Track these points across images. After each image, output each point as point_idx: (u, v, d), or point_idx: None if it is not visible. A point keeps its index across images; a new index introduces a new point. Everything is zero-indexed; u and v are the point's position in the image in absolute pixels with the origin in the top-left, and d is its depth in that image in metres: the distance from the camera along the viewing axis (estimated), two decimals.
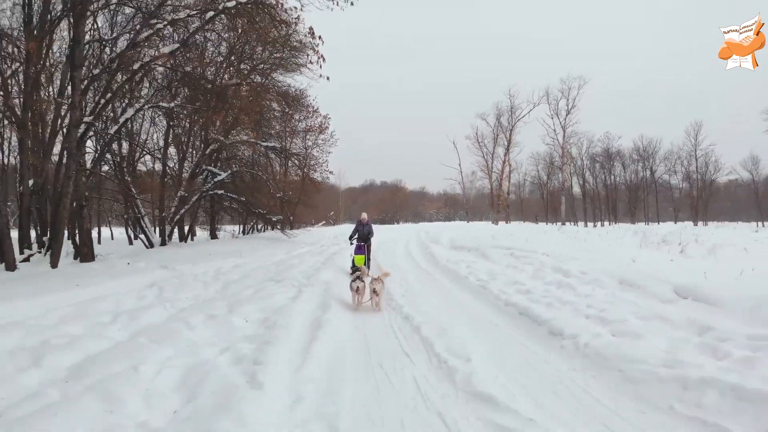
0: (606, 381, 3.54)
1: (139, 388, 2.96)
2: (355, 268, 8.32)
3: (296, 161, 30.14)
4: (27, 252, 9.42)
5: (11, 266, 8.76)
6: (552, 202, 53.77)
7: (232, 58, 19.10)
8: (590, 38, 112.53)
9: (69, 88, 9.90)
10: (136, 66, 9.19)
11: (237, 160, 22.86)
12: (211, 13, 9.26)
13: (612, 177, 54.95)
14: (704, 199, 51.43)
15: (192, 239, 22.47)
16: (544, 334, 4.70)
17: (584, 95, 51.22)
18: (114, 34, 11.59)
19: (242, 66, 19.93)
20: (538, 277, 7.87)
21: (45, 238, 9.88)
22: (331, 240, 21.62)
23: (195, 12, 10.45)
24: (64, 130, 11.71)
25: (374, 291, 5.92)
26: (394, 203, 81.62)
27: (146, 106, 11.75)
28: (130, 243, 23.47)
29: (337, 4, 9.77)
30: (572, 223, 48.51)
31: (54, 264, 9.14)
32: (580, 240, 12.76)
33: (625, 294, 6.34)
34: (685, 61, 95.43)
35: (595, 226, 46.38)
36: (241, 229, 30.17)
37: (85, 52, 9.74)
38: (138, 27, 9.87)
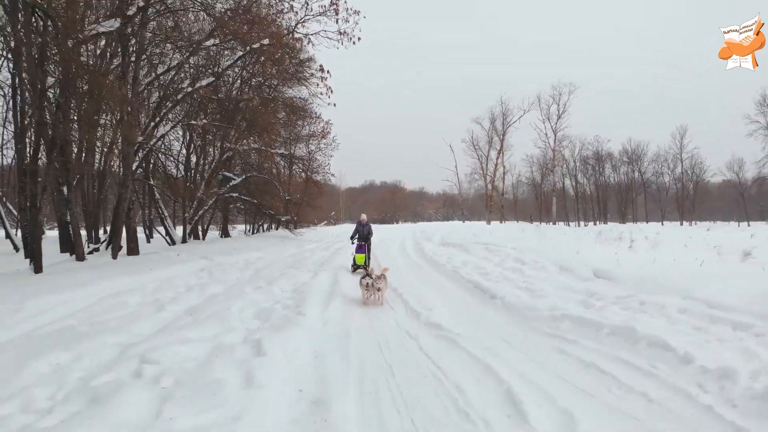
0: (512, 319, 5.71)
1: (235, 317, 5.15)
2: (356, 266, 9.92)
3: (300, 165, 32.36)
4: (91, 246, 11.61)
5: (81, 257, 10.95)
6: (546, 203, 55.82)
7: (245, 74, 21.29)
8: (591, 42, 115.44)
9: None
10: (179, 96, 11.39)
11: (249, 165, 24.96)
12: (240, 53, 11.45)
13: (603, 178, 57.19)
14: (691, 199, 53.59)
15: (204, 238, 24.64)
16: (486, 298, 6.89)
17: (577, 99, 53.44)
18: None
19: (253, 81, 22.12)
20: (499, 265, 10.06)
21: (105, 235, 12.06)
22: (334, 238, 23.80)
23: (218, 42, 12.67)
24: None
25: (378, 289, 6.44)
26: (394, 203, 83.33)
27: (180, 124, 13.94)
28: (148, 241, 25.58)
29: (342, 43, 11.97)
30: (565, 223, 50.66)
31: (114, 256, 11.33)
32: (549, 237, 14.97)
33: (559, 276, 8.51)
34: (685, 62, 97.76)
35: (586, 225, 48.51)
36: (251, 229, 32.36)
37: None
38: (179, 61, 12.04)
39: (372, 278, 6.54)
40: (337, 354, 4.02)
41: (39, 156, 9.47)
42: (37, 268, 9.19)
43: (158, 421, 2.52)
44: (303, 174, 33.34)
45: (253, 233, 31.24)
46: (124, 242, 13.06)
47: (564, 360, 4.18)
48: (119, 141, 10.44)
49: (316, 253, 14.47)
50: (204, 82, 11.47)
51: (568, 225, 46.80)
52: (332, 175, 35.96)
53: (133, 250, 13.13)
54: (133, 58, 10.76)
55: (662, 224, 49.97)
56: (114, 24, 7.43)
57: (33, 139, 8.98)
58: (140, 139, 11.31)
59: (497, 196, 52.11)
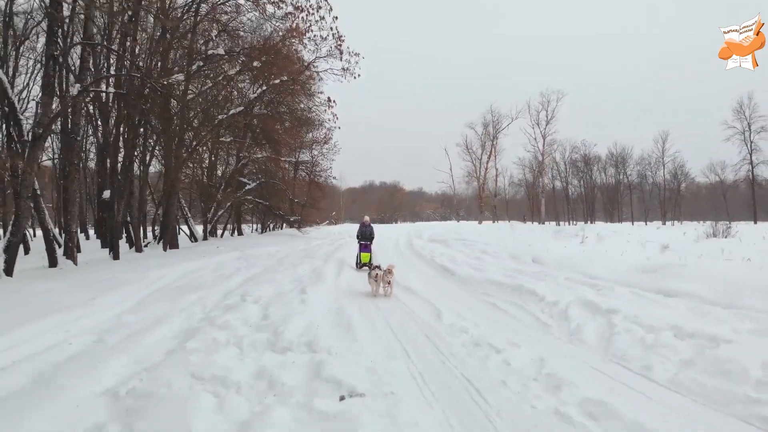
0: (459, 285, 8.65)
1: (281, 281, 8.10)
2: (362, 265, 11.13)
3: (304, 170, 35.33)
4: (146, 240, 14.55)
5: (140, 249, 13.91)
6: (537, 203, 58.80)
7: (260, 91, 24.28)
8: (593, 43, 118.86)
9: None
10: (216, 122, 14.34)
11: (261, 171, 27.88)
12: (264, 87, 14.40)
13: (591, 180, 60.21)
14: (674, 201, 56.61)
15: (222, 236, 27.57)
16: (448, 275, 9.84)
17: (578, 102, 56.26)
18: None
19: (266, 98, 25.08)
20: (467, 255, 13.01)
21: (156, 231, 15.00)
22: (337, 236, 26.75)
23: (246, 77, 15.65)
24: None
25: (389, 283, 7.43)
26: (393, 204, 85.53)
27: (209, 140, 16.89)
28: None
29: (345, 78, 14.92)
30: (557, 223, 53.65)
31: (164, 248, 14.28)
32: (517, 235, 17.93)
33: (507, 261, 11.45)
34: (685, 63, 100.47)
35: (576, 224, 51.46)
36: (260, 228, 35.31)
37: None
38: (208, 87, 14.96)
39: (382, 271, 7.47)
40: (345, 297, 6.98)
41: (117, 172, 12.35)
42: (116, 256, 12.15)
43: (267, 312, 5.46)
44: (307, 177, 36.40)
45: (262, 232, 34.18)
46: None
47: (479, 302, 7.13)
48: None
49: (323, 248, 17.40)
50: (237, 110, 14.44)
51: (558, 224, 49.73)
52: (334, 178, 38.97)
53: (174, 245, 16.09)
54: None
55: (645, 224, 52.93)
56: (180, 77, 10.32)
57: (111, 161, 11.90)
58: (184, 155, 14.25)
59: (490, 197, 55.11)
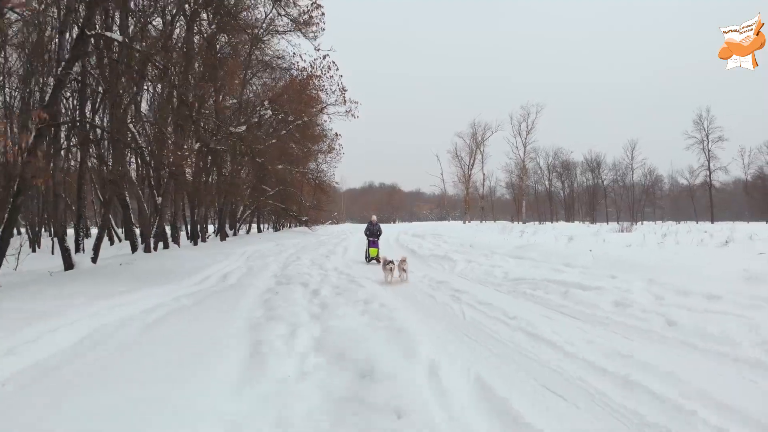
0: (416, 257, 14.75)
1: (310, 254, 14.26)
2: (371, 258, 13.34)
3: (310, 176, 41.47)
4: (208, 233, 20.68)
5: (204, 240, 20.08)
6: (520, 205, 64.86)
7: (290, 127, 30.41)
8: (594, 42, 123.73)
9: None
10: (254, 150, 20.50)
11: (279, 180, 33.93)
12: (290, 127, 20.54)
13: (571, 184, 66.41)
14: (642, 203, 62.73)
15: (248, 233, 33.64)
16: (412, 253, 15.93)
17: (580, 103, 61.03)
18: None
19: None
20: (432, 243, 19.13)
21: (215, 227, 21.16)
22: (340, 233, 32.86)
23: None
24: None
25: (404, 270, 9.34)
26: (391, 204, 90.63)
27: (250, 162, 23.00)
28: None
29: (348, 118, 21.08)
30: (539, 222, 59.73)
31: (221, 240, 20.42)
32: (477, 231, 24.08)
33: (455, 246, 17.57)
34: (687, 63, 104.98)
35: (557, 223, 57.48)
36: (274, 226, 41.43)
37: None
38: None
39: (395, 263, 9.33)
40: (350, 261, 13.10)
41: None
42: (195, 243, 18.31)
43: (313, 262, 11.57)
44: (313, 182, 42.51)
45: (275, 230, 40.31)
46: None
47: (419, 262, 13.21)
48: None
49: (331, 241, 23.55)
50: (269, 142, 20.61)
51: (542, 223, 55.75)
52: (336, 183, 45.15)
53: (224, 237, 22.26)
54: None
55: (618, 223, 58.93)
56: (242, 128, 16.41)
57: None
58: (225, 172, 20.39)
59: (478, 199, 61.23)
